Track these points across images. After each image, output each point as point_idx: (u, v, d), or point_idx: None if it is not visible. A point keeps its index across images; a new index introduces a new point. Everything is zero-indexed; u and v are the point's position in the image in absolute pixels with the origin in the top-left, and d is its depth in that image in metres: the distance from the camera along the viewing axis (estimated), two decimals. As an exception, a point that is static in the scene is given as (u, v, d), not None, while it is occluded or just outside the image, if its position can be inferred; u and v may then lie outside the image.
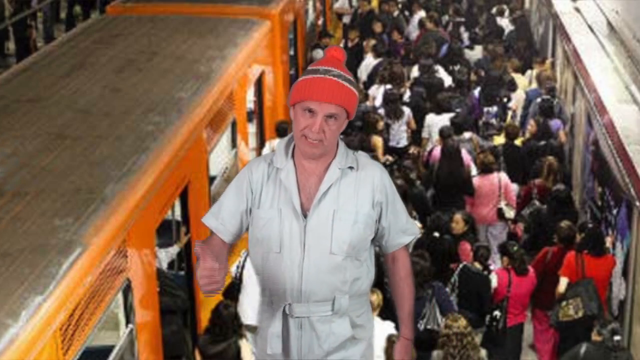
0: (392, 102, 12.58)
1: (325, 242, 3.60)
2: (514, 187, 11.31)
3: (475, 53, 16.29)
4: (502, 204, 10.78)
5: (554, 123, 12.54)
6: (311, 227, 3.60)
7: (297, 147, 3.65)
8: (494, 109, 13.51)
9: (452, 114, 12.02)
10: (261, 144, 11.35)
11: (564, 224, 9.27)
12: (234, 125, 9.24)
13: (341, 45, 18.19)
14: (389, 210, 3.72)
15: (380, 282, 8.12)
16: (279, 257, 3.63)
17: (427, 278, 8.03)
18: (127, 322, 6.08)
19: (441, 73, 14.26)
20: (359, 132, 11.58)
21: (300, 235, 3.60)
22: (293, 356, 3.70)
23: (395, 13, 18.16)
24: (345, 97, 3.58)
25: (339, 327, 3.67)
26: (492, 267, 9.19)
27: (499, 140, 12.84)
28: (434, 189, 11.09)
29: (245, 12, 11.31)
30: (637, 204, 8.29)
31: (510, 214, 10.82)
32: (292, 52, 13.73)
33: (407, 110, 12.66)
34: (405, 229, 3.80)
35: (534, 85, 14.52)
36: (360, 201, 3.64)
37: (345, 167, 3.65)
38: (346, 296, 3.66)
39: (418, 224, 9.82)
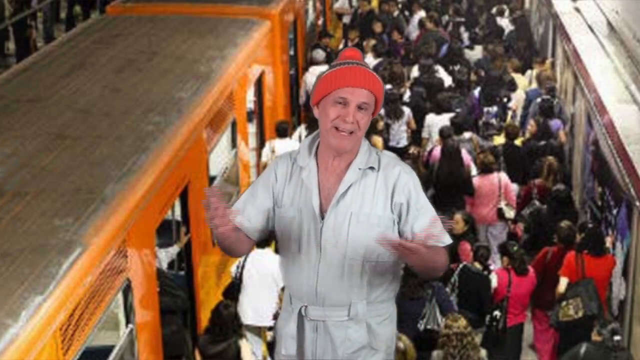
0: (392, 102, 12.58)
1: (341, 244, 3.50)
2: (514, 187, 11.30)
3: (475, 53, 16.29)
4: (502, 204, 10.77)
5: (554, 123, 12.54)
6: (327, 228, 3.51)
7: (325, 141, 3.52)
8: (494, 109, 13.50)
9: (452, 114, 12.02)
10: (261, 144, 11.35)
11: (564, 224, 9.27)
12: (234, 125, 9.25)
13: (341, 45, 18.19)
14: (411, 213, 3.54)
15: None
16: (298, 257, 3.57)
17: (427, 278, 8.03)
18: (127, 322, 6.08)
19: (441, 73, 14.26)
20: (359, 132, 11.57)
21: (317, 237, 3.52)
22: (307, 359, 3.64)
23: (395, 13, 18.16)
24: (377, 84, 3.49)
25: (355, 334, 3.58)
26: (492, 267, 9.19)
27: (499, 140, 12.84)
28: (434, 189, 11.08)
29: (245, 12, 11.32)
30: (637, 204, 8.29)
31: (510, 214, 10.82)
32: (292, 52, 13.74)
33: (407, 110, 12.66)
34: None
35: (534, 85, 14.51)
36: (380, 204, 3.51)
37: (366, 168, 3.54)
38: (363, 302, 3.57)
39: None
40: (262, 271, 8.37)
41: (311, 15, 16.22)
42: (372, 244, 3.48)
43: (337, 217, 3.51)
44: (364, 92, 3.45)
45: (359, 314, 3.57)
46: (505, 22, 18.51)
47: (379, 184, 3.53)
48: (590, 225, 9.27)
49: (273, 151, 10.73)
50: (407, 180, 3.55)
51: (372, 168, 3.55)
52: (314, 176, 3.55)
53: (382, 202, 3.52)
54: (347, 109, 3.44)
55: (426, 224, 3.49)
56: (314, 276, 3.54)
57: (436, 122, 12.15)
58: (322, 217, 3.52)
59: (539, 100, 12.97)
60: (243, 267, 8.40)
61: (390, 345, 3.74)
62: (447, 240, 3.56)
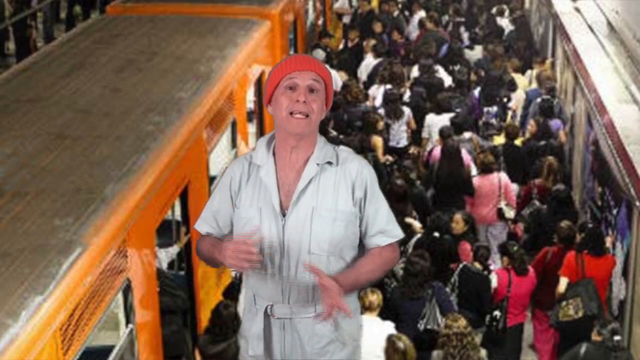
0: (392, 102, 12.58)
1: (304, 240, 3.50)
2: (514, 187, 11.31)
3: (475, 53, 16.30)
4: (502, 204, 10.78)
5: (554, 123, 12.55)
6: (290, 225, 3.51)
7: (282, 132, 3.54)
8: (494, 109, 13.51)
9: (452, 114, 12.02)
10: (261, 144, 11.33)
11: (564, 224, 9.28)
12: (234, 125, 9.24)
13: (341, 45, 18.19)
14: (366, 206, 3.58)
15: (381, 282, 8.12)
16: (259, 257, 3.52)
17: (427, 278, 8.03)
18: (127, 322, 6.08)
19: (441, 73, 14.26)
20: (359, 132, 11.58)
21: (279, 234, 3.52)
22: (276, 358, 3.63)
23: (395, 13, 18.17)
24: (322, 68, 3.56)
25: (322, 329, 3.57)
26: (492, 267, 9.19)
27: (499, 140, 12.85)
28: (434, 189, 11.09)
29: (245, 12, 11.31)
30: (637, 204, 8.29)
31: (510, 214, 10.82)
32: (292, 52, 13.74)
33: (407, 110, 12.66)
34: (384, 230, 3.62)
35: (534, 85, 14.52)
36: (341, 198, 3.53)
37: (323, 163, 3.55)
38: None
39: (418, 224, 9.82)
40: (262, 271, 8.36)
41: (311, 15, 16.22)
42: (335, 239, 3.52)
43: (298, 213, 3.52)
44: (311, 73, 3.51)
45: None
46: (505, 22, 18.52)
47: (338, 178, 3.56)
48: (590, 225, 9.27)
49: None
50: (365, 174, 3.59)
51: (330, 163, 3.57)
52: (272, 174, 3.56)
53: (343, 197, 3.54)
54: (297, 92, 3.49)
55: (383, 222, 3.59)
56: (278, 275, 3.53)
57: (436, 122, 12.15)
58: (284, 215, 3.53)
59: (539, 100, 12.97)
60: (243, 267, 8.39)
61: (357, 338, 3.75)
62: (400, 234, 3.65)
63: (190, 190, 7.63)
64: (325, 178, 3.55)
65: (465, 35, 17.52)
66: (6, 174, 5.99)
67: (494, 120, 13.46)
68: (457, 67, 14.87)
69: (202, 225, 3.75)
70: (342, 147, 3.69)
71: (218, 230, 3.71)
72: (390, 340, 6.99)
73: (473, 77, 15.04)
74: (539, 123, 12.36)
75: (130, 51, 9.14)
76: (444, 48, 15.82)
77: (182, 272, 8.08)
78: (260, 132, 11.44)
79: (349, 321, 3.64)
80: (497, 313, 8.74)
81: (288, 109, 3.48)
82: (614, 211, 9.51)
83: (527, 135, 12.61)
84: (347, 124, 12.02)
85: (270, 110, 3.59)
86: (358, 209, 3.56)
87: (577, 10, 14.48)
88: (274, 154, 3.60)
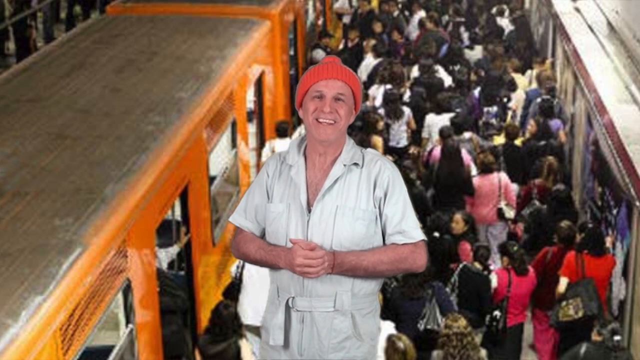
0: (392, 102, 12.58)
1: (327, 237, 3.64)
2: (514, 187, 11.31)
3: (475, 53, 16.29)
4: (502, 204, 10.78)
5: (554, 123, 12.55)
6: (314, 222, 3.65)
7: (311, 137, 3.70)
8: (494, 109, 13.51)
9: (452, 114, 12.02)
10: (261, 144, 11.35)
11: (564, 224, 9.27)
12: (234, 125, 9.25)
13: (341, 45, 18.20)
14: (386, 206, 3.67)
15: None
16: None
17: (427, 278, 8.03)
18: (127, 322, 6.08)
19: (441, 73, 14.26)
20: (359, 132, 11.57)
21: (304, 230, 3.65)
22: (293, 349, 3.73)
23: (395, 13, 18.17)
24: (351, 77, 3.68)
25: (340, 324, 3.68)
26: (492, 267, 9.19)
27: (499, 140, 12.85)
28: (434, 189, 11.09)
29: (245, 12, 11.33)
30: (637, 204, 8.29)
31: (510, 214, 10.82)
32: (292, 52, 13.74)
33: (407, 110, 12.66)
34: (402, 231, 3.68)
35: (534, 85, 14.52)
36: (363, 198, 3.66)
37: (350, 164, 3.69)
38: (348, 293, 3.67)
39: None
40: (262, 271, 8.30)
41: (311, 15, 16.23)
42: (356, 237, 3.64)
43: (323, 210, 3.66)
44: (338, 83, 3.64)
45: (344, 304, 3.67)
46: (505, 22, 18.52)
47: (362, 179, 3.69)
48: (590, 225, 9.27)
49: (273, 151, 10.72)
50: (387, 175, 3.70)
51: (356, 164, 3.71)
52: (302, 173, 3.71)
53: (365, 197, 3.67)
54: (323, 101, 3.63)
55: (401, 223, 3.65)
56: None
57: (436, 122, 12.15)
58: (309, 212, 3.67)
59: (539, 100, 12.97)
60: (243, 267, 8.40)
61: (374, 338, 3.84)
62: (419, 236, 3.69)
63: (190, 190, 7.63)
64: (350, 179, 3.69)
65: (465, 35, 17.52)
66: (6, 174, 5.99)
67: (494, 120, 13.46)
68: (457, 67, 14.87)
69: (240, 218, 3.84)
70: (369, 150, 3.84)
71: (257, 225, 3.82)
72: (390, 340, 6.99)
73: (473, 77, 15.04)
74: (539, 123, 12.36)
75: (130, 51, 9.15)
76: (444, 48, 15.82)
77: (182, 272, 8.09)
78: (261, 132, 11.45)
79: (367, 320, 3.76)
80: (497, 313, 8.74)
81: (314, 116, 3.64)
82: (614, 211, 9.51)
83: (527, 135, 12.61)
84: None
85: (301, 114, 3.74)
86: (378, 208, 3.68)
87: (577, 10, 14.49)
88: (304, 155, 3.75)
